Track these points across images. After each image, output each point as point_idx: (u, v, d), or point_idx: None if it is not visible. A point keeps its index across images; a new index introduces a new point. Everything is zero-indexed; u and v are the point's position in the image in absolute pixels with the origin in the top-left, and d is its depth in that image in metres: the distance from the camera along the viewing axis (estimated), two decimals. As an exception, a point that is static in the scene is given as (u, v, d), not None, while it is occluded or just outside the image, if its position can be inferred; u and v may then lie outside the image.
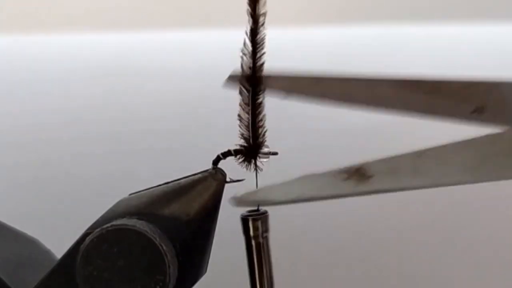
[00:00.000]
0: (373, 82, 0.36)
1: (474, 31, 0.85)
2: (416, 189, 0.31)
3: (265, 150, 0.38)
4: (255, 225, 0.36)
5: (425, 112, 0.33)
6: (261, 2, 0.35)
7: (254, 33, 0.35)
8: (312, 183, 0.31)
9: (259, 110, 0.37)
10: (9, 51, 0.87)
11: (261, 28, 0.35)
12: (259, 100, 0.36)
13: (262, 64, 0.36)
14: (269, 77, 0.36)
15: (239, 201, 0.32)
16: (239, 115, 0.37)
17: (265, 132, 0.37)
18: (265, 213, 0.36)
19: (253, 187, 0.35)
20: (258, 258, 0.36)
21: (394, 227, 0.74)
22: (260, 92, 0.36)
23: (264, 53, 0.36)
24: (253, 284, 0.36)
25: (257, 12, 0.35)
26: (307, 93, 0.36)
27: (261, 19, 0.35)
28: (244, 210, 0.37)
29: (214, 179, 0.36)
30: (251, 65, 0.36)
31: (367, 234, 0.73)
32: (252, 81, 0.36)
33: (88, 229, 0.33)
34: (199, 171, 0.37)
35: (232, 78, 0.36)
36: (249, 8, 0.35)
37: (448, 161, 0.30)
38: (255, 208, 0.37)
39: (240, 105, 0.36)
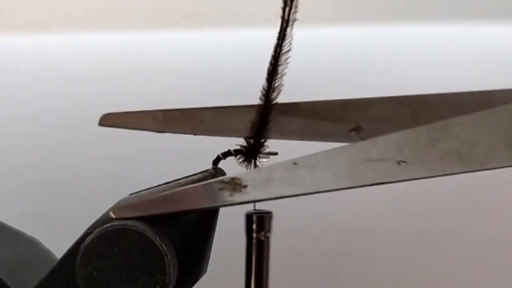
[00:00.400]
0: (248, 109, 0.38)
1: (474, 31, 0.85)
2: (291, 197, 0.32)
3: (265, 150, 0.38)
4: (259, 223, 0.36)
5: (303, 135, 0.34)
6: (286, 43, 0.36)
7: (275, 63, 0.36)
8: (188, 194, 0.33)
9: (268, 119, 0.37)
10: (9, 51, 0.87)
11: (283, 57, 0.36)
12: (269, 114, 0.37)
13: (278, 88, 0.37)
14: (141, 114, 0.38)
15: (117, 211, 0.33)
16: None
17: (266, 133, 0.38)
18: (269, 213, 0.37)
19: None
20: (258, 256, 0.36)
21: (396, 227, 0.74)
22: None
23: (281, 78, 0.36)
24: (248, 281, 0.37)
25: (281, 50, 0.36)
26: (182, 127, 0.38)
27: (284, 51, 0.36)
28: (244, 209, 0.37)
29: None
30: (266, 90, 0.37)
31: (368, 236, 0.73)
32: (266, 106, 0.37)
33: (88, 229, 0.33)
34: (199, 171, 0.37)
35: (105, 118, 0.38)
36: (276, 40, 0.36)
37: (321, 168, 0.31)
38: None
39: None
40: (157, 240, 0.32)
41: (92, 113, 0.79)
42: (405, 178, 0.31)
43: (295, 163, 0.32)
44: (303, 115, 0.37)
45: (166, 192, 0.33)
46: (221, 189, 0.32)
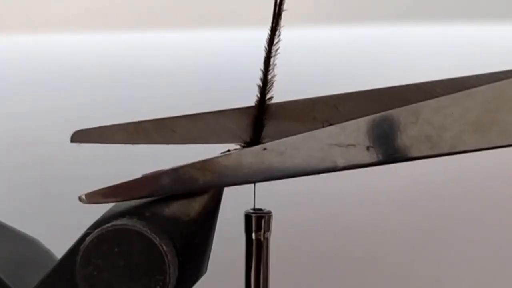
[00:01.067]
0: (218, 115, 0.38)
1: (474, 31, 0.85)
2: (260, 182, 0.33)
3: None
4: (258, 223, 0.36)
5: (273, 138, 0.35)
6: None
7: (268, 61, 0.36)
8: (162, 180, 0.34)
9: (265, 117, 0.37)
10: (9, 51, 0.87)
11: (274, 47, 0.36)
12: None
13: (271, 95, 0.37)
14: (112, 128, 0.38)
15: (89, 196, 0.34)
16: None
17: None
18: (269, 213, 0.37)
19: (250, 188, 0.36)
20: (257, 256, 0.36)
21: (396, 228, 0.74)
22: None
23: (274, 75, 0.36)
24: (247, 282, 0.37)
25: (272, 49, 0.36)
26: (153, 138, 0.38)
27: (274, 48, 0.36)
28: (244, 208, 0.37)
29: (214, 179, 0.35)
30: (261, 90, 0.37)
31: (367, 236, 0.73)
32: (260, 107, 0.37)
33: (88, 229, 0.33)
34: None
35: (77, 135, 0.38)
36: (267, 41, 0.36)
37: (290, 154, 0.32)
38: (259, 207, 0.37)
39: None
40: (157, 240, 0.32)
41: (92, 112, 0.79)
42: (374, 162, 0.32)
43: (264, 149, 0.32)
44: (272, 116, 0.38)
45: (136, 178, 0.34)
46: (191, 175, 0.33)
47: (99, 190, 0.34)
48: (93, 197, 0.34)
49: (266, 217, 0.36)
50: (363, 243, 0.73)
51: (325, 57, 0.83)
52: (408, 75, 0.81)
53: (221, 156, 0.33)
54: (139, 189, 0.34)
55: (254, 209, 0.37)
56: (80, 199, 0.34)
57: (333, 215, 0.74)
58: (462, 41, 0.86)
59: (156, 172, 0.34)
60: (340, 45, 0.85)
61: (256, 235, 0.36)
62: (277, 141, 0.33)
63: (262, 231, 0.36)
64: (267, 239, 0.36)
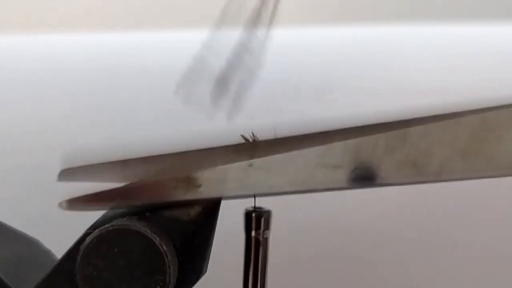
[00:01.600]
0: (206, 152, 0.38)
1: (474, 31, 0.85)
2: (243, 197, 0.33)
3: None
4: (257, 222, 0.36)
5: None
6: None
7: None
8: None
9: None
10: (9, 51, 0.87)
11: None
12: None
13: None
14: (100, 167, 0.37)
15: (69, 203, 0.34)
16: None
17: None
18: (268, 211, 0.37)
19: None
20: (255, 254, 0.36)
21: (395, 228, 0.74)
22: None
23: None
24: (245, 279, 0.37)
25: None
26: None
27: None
28: (244, 206, 0.37)
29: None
30: None
31: (367, 238, 0.73)
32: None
33: (88, 229, 0.33)
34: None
35: (63, 174, 0.38)
36: None
37: (276, 171, 0.32)
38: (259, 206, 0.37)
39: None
40: (157, 240, 0.32)
41: (92, 114, 0.79)
42: (359, 185, 0.32)
43: (250, 165, 0.32)
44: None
45: (119, 187, 0.34)
46: (175, 187, 0.33)
47: (80, 197, 0.33)
48: (73, 204, 0.33)
49: (266, 215, 0.36)
50: (362, 244, 0.73)
51: (324, 57, 0.83)
52: (408, 75, 0.81)
53: (206, 170, 0.33)
54: (121, 198, 0.34)
55: (254, 207, 0.37)
56: (60, 205, 0.33)
57: (333, 215, 0.74)
58: (462, 41, 0.86)
59: (140, 181, 0.34)
60: (340, 45, 0.85)
61: (255, 234, 0.36)
62: (263, 158, 0.32)
63: (261, 229, 0.36)
64: (266, 238, 0.36)
